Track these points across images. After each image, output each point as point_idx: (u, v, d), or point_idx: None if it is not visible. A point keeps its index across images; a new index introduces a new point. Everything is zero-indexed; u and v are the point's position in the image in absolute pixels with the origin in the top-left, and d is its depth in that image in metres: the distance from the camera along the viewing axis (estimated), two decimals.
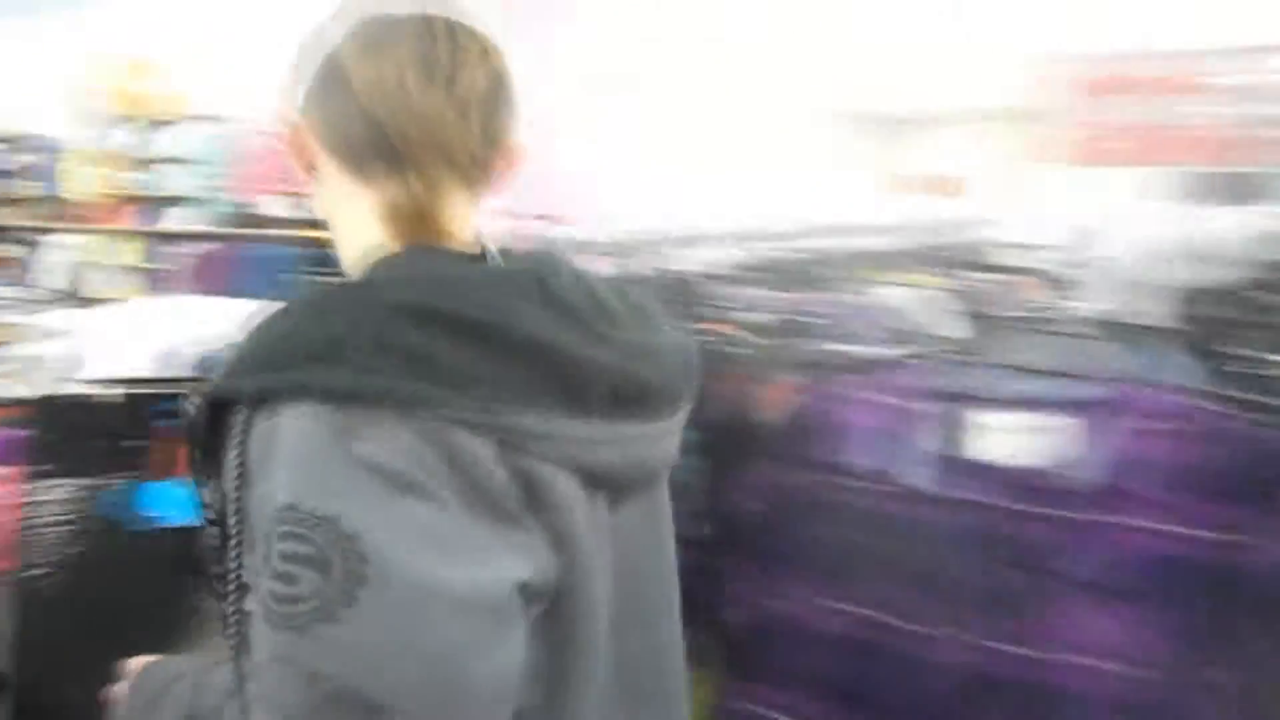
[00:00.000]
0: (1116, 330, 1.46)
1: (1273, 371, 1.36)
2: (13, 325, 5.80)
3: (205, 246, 7.79)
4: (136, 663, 1.00)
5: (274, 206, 7.28)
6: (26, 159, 10.07)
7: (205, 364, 1.79)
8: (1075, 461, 1.28)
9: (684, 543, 1.08)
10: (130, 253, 8.88)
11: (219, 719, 0.84)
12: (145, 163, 8.52)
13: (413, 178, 0.87)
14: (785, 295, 1.82)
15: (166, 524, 1.74)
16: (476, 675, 0.72)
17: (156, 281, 7.89)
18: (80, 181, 9.12)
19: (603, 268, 1.70)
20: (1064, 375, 1.33)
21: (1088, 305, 1.64)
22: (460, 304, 0.79)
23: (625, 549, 0.92)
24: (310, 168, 0.96)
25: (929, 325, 1.75)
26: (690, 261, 1.95)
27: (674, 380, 0.93)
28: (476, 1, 0.96)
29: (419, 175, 0.87)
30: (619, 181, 6.50)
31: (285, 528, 0.74)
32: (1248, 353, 1.39)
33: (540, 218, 3.21)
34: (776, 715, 1.40)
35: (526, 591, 0.78)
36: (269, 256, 7.13)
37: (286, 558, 0.73)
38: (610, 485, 0.87)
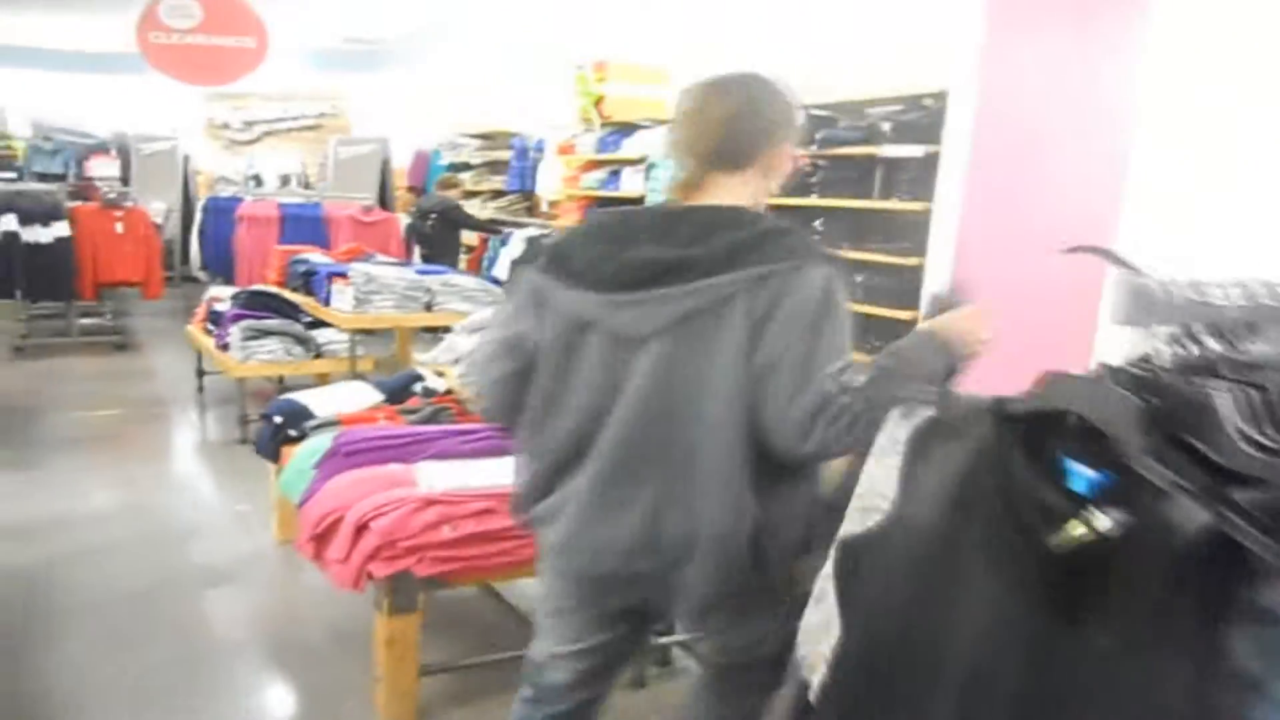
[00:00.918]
0: None
1: None
2: (459, 313, 5.56)
3: None
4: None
5: None
6: (502, 155, 10.57)
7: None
8: None
9: None
10: None
11: None
12: (612, 164, 8.47)
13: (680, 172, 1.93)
14: None
15: None
16: (490, 369, 1.95)
17: None
18: (550, 179, 9.33)
19: None
20: None
21: None
22: (578, 229, 2.00)
23: (644, 376, 1.73)
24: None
25: None
26: None
27: (645, 277, 1.72)
28: None
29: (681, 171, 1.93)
30: None
31: None
32: None
33: None
34: None
35: (518, 344, 1.88)
36: None
37: None
38: (596, 328, 1.78)
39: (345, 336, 6.00)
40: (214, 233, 9.85)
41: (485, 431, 3.04)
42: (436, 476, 2.73)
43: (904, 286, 5.23)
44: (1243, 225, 7.18)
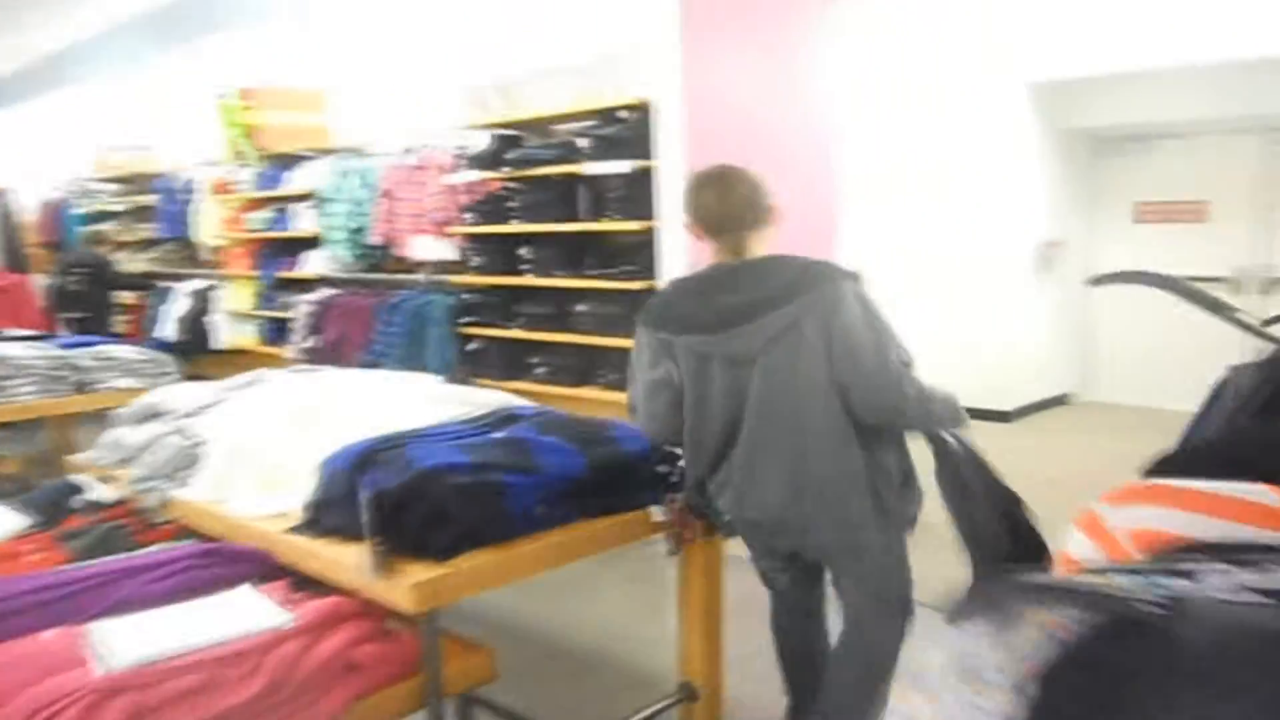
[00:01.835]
0: None
1: None
2: (122, 391, 4.66)
3: (340, 292, 6.85)
4: None
5: (427, 249, 6.27)
6: (147, 200, 9.37)
7: None
8: None
9: None
10: (251, 298, 8.03)
11: None
12: (277, 201, 7.64)
13: (715, 238, 2.54)
14: None
15: None
16: (651, 412, 2.55)
17: (282, 333, 7.06)
18: (208, 223, 8.32)
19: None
20: None
21: None
22: (670, 292, 2.67)
23: (759, 385, 2.39)
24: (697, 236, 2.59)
25: None
26: None
27: (731, 316, 2.41)
28: None
29: (717, 237, 2.54)
30: None
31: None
32: None
33: None
34: None
35: (666, 382, 2.51)
36: (415, 304, 6.15)
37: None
38: (715, 358, 2.43)
39: None
40: None
41: (182, 556, 2.38)
42: (120, 643, 2.00)
43: (634, 313, 4.93)
44: (937, 200, 7.60)
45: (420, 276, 6.43)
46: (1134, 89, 7.33)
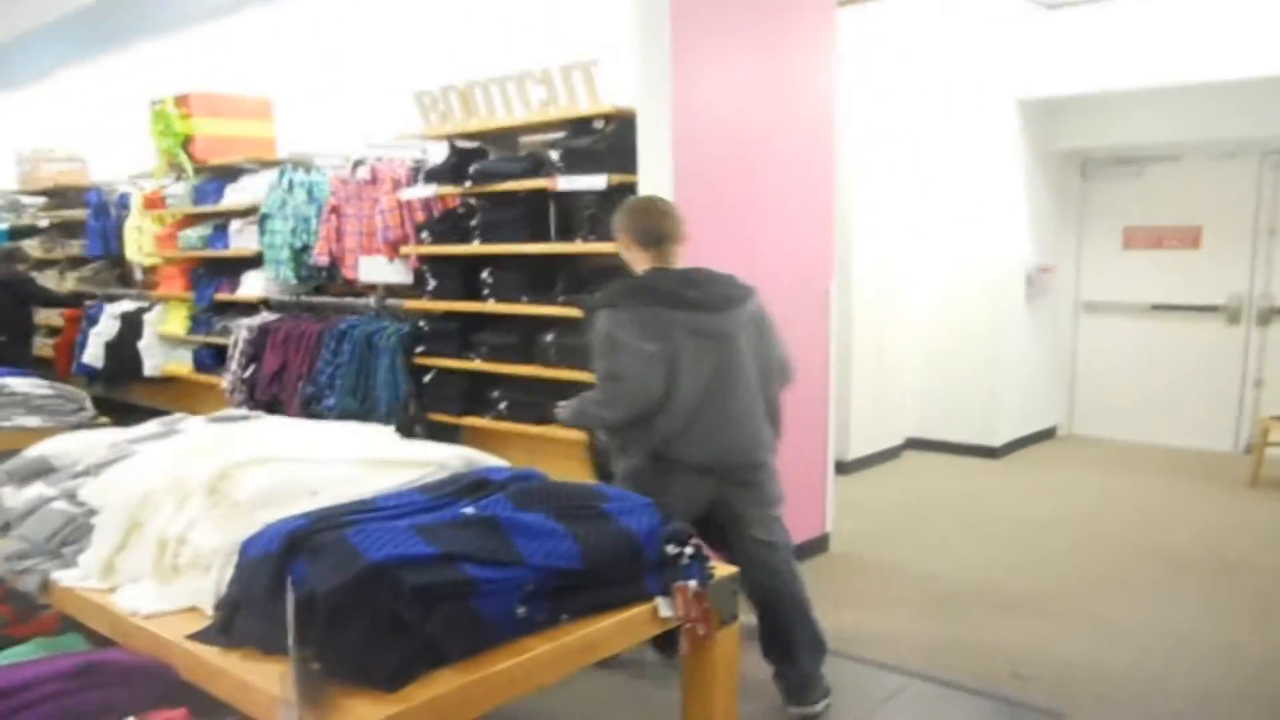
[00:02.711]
0: None
1: None
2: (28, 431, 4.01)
3: (282, 317, 6.28)
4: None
5: (377, 271, 5.72)
6: (74, 214, 8.71)
7: None
8: None
9: None
10: (185, 322, 7.41)
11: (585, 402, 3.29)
12: (215, 217, 7.04)
13: (654, 249, 3.29)
14: None
15: None
16: (645, 380, 3.08)
17: (219, 360, 6.45)
18: (140, 240, 7.69)
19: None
20: None
21: None
22: (647, 281, 3.23)
23: (715, 360, 3.16)
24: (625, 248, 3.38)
25: None
26: None
27: (719, 302, 3.19)
28: None
29: (656, 248, 3.28)
30: None
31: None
32: None
33: None
34: None
35: (660, 355, 3.08)
36: (364, 331, 5.60)
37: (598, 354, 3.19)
38: (699, 335, 3.13)
39: None
40: None
41: (51, 675, 1.82)
42: None
43: None
44: (921, 222, 7.19)
45: (370, 301, 5.88)
46: (1125, 108, 7.00)
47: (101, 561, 2.20)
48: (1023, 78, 6.88)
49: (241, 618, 1.86)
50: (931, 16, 6.88)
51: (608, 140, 4.46)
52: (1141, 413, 7.54)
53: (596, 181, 4.40)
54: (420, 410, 5.34)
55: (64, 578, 2.22)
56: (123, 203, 7.99)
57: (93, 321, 7.83)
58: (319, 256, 5.98)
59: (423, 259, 5.46)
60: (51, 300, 7.91)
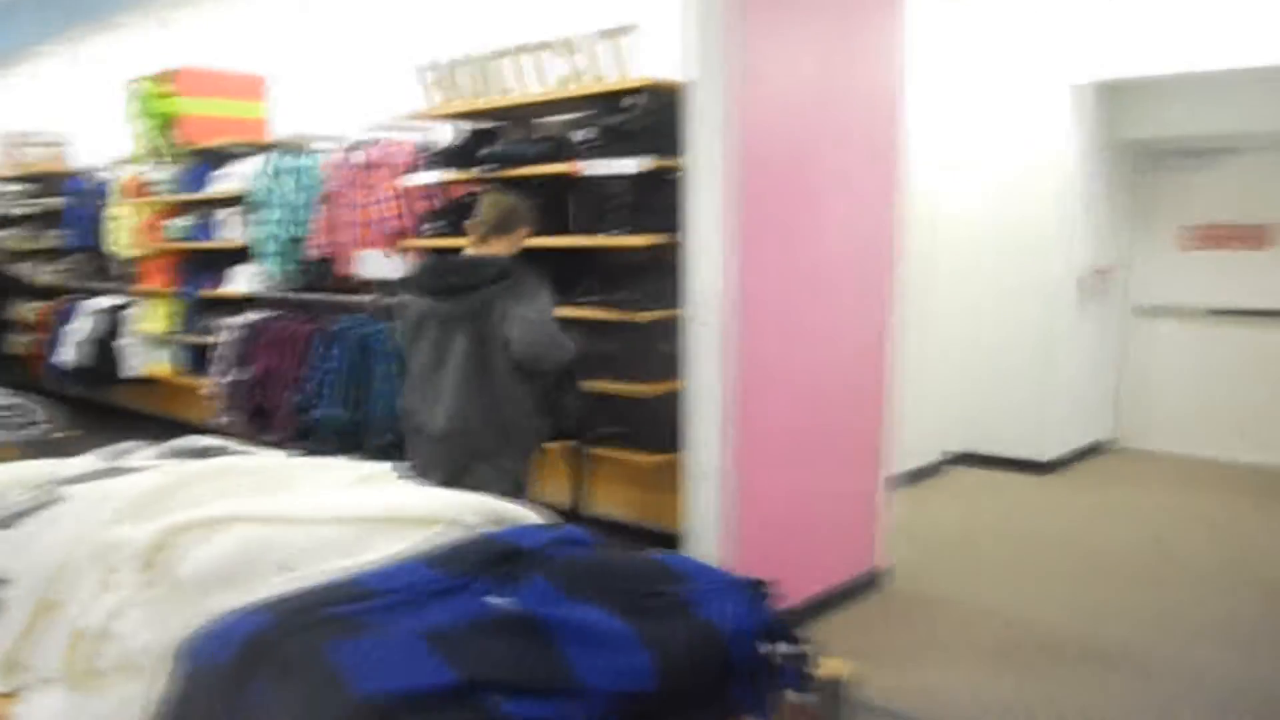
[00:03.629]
0: None
1: None
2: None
3: (271, 315, 5.72)
4: None
5: (375, 266, 5.15)
6: (54, 202, 8.14)
7: None
8: None
9: None
10: (167, 320, 6.85)
11: None
12: (200, 205, 6.48)
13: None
14: None
15: None
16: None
17: (203, 361, 5.89)
18: (121, 231, 7.13)
19: None
20: None
21: None
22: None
23: (444, 340, 3.49)
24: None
25: None
26: None
27: (461, 289, 3.45)
28: None
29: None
30: None
31: None
32: None
33: None
34: None
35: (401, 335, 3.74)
36: (359, 333, 5.04)
37: None
38: (434, 318, 3.51)
39: None
40: None
41: None
42: None
43: (637, 351, 3.87)
44: (969, 215, 6.63)
45: (366, 299, 5.31)
46: (1187, 95, 6.44)
47: (6, 655, 1.65)
48: (1078, 60, 6.30)
49: None
50: None
51: (643, 118, 3.90)
52: (1199, 425, 6.98)
53: (627, 165, 3.84)
54: None
55: None
56: (102, 190, 7.42)
57: (65, 320, 7.26)
58: (312, 249, 5.42)
59: (425, 253, 4.89)
60: (23, 293, 7.31)
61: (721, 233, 3.36)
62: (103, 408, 7.54)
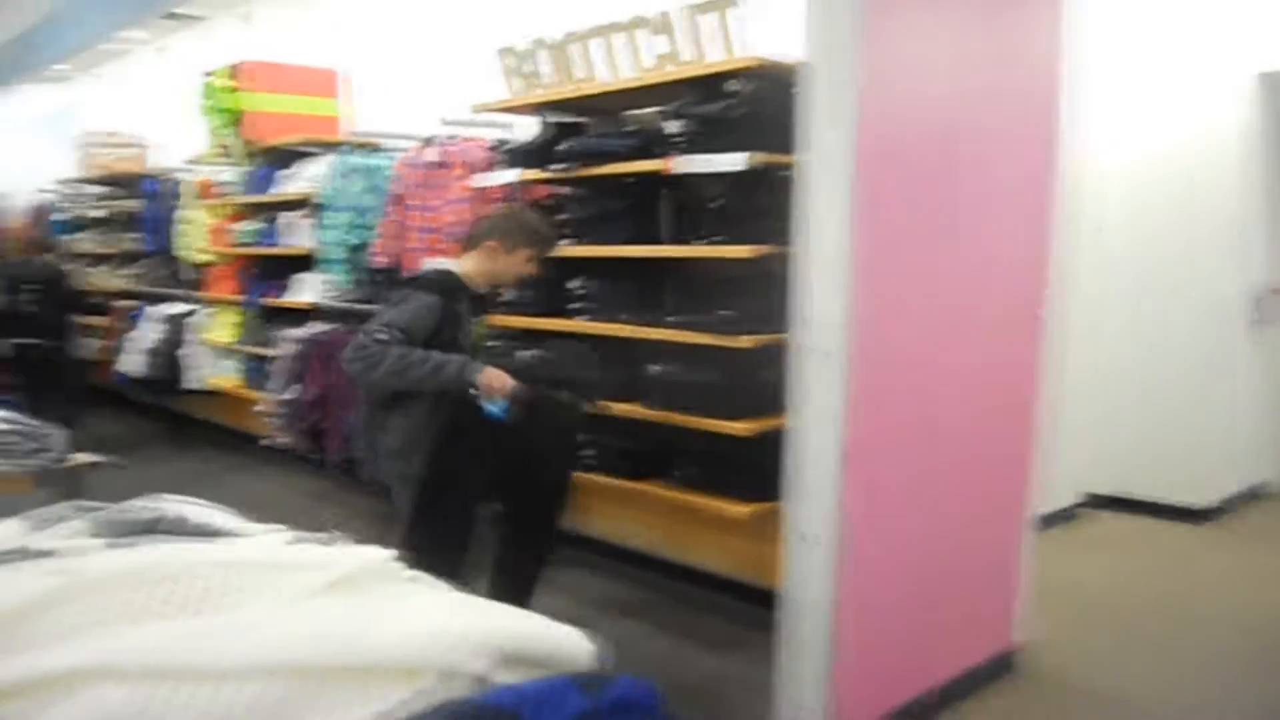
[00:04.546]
0: None
1: None
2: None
3: (332, 329, 5.23)
4: None
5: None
6: (131, 205, 7.84)
7: None
8: None
9: None
10: (233, 329, 6.43)
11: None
12: (267, 208, 6.05)
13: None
14: None
15: None
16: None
17: (266, 375, 5.45)
18: (193, 234, 6.76)
19: None
20: None
21: None
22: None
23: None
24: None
25: None
26: None
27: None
28: None
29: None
30: None
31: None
32: None
33: None
34: None
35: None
36: None
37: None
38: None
39: None
40: None
41: None
42: None
43: (735, 380, 3.23)
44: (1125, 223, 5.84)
45: None
46: None
47: None
48: (1268, 44, 5.44)
49: None
50: None
51: (747, 106, 3.26)
52: None
53: (729, 162, 3.20)
54: None
55: None
56: (176, 192, 7.07)
57: (133, 325, 6.92)
58: (377, 256, 4.91)
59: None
60: (79, 305, 6.92)
61: (845, 244, 2.70)
62: (175, 416, 7.24)
